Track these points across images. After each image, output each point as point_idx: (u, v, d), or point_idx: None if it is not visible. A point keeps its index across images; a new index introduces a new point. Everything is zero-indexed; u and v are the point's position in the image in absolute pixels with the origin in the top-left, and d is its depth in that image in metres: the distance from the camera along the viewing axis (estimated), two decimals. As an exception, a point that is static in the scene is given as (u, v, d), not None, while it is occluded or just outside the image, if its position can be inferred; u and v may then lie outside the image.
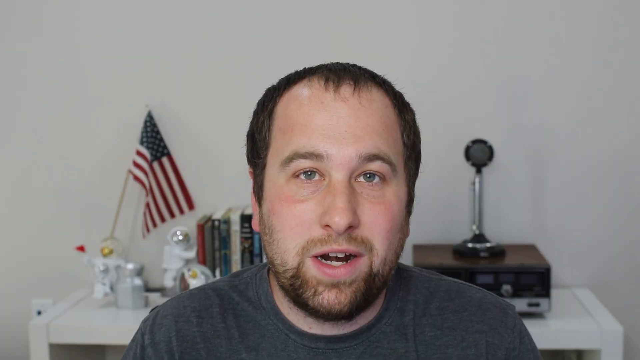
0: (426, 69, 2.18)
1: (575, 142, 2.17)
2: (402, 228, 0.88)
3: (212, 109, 2.26)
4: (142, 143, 2.22)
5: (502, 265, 1.94)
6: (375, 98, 0.87)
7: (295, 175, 0.84)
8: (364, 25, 2.18)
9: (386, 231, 0.84)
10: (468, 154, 2.07)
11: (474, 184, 2.08)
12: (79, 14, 2.26)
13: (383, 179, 0.85)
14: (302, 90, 0.87)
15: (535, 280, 1.90)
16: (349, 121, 0.84)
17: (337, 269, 0.82)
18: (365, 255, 0.83)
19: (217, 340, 0.93)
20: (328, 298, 0.82)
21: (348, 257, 0.83)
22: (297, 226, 0.83)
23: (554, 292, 2.01)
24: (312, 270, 0.83)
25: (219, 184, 2.27)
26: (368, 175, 0.84)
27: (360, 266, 0.83)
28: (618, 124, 2.16)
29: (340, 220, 0.80)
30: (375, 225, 0.83)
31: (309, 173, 0.84)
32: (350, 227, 0.81)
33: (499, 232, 2.18)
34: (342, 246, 0.82)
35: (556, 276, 2.15)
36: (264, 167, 0.89)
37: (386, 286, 0.89)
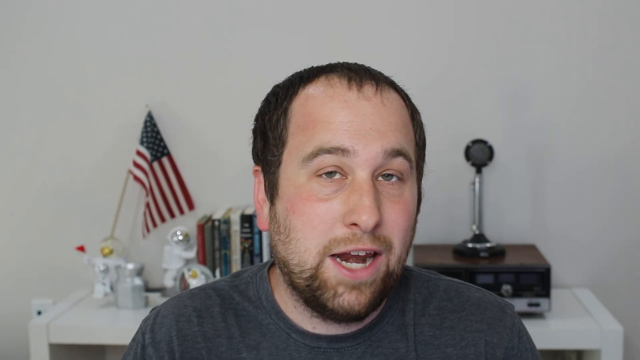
0: (426, 69, 2.18)
1: (575, 142, 2.17)
2: (414, 227, 0.89)
3: (212, 109, 2.26)
4: (142, 143, 2.22)
5: (502, 265, 1.94)
6: (394, 98, 0.88)
7: (318, 174, 0.84)
8: (364, 25, 2.18)
9: (404, 230, 0.85)
10: (468, 154, 2.07)
11: (474, 184, 2.08)
12: (79, 14, 2.26)
13: (400, 178, 0.85)
14: (322, 89, 0.87)
15: (535, 280, 1.90)
16: (373, 119, 0.84)
17: (359, 272, 0.82)
18: (383, 253, 0.84)
19: (218, 340, 0.92)
20: (349, 300, 0.82)
21: (365, 258, 0.83)
22: (320, 225, 0.82)
23: (554, 292, 2.01)
24: (332, 270, 0.82)
25: (219, 184, 2.27)
26: (386, 175, 0.85)
27: (380, 265, 0.84)
28: (618, 124, 2.16)
29: (368, 219, 0.80)
30: (396, 224, 0.84)
31: (331, 172, 0.83)
32: (376, 226, 0.82)
33: (499, 232, 2.18)
34: (366, 245, 0.82)
35: (556, 276, 2.15)
36: (279, 164, 0.88)
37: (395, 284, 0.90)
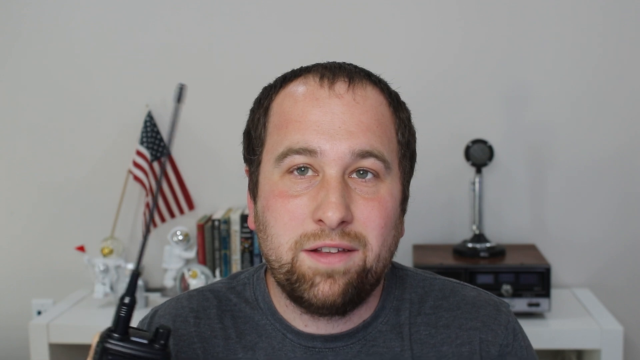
0: (427, 69, 2.18)
1: (575, 142, 2.17)
2: (396, 226, 0.88)
3: (212, 109, 2.26)
4: (142, 143, 2.22)
5: (502, 265, 1.94)
6: (370, 95, 0.87)
7: (289, 171, 0.85)
8: (365, 25, 2.18)
9: (380, 227, 0.84)
10: (468, 154, 2.07)
11: (474, 184, 2.08)
12: (79, 13, 2.26)
13: (377, 176, 0.85)
14: (297, 88, 0.88)
15: (535, 280, 1.90)
16: (343, 117, 0.84)
17: (332, 256, 0.82)
18: (359, 249, 0.83)
19: (214, 341, 0.93)
20: (323, 289, 0.82)
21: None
22: (291, 221, 0.83)
23: (554, 292, 2.01)
24: (308, 261, 0.83)
25: (219, 184, 2.27)
26: (361, 172, 0.84)
27: (354, 258, 0.83)
28: (618, 124, 2.16)
29: (333, 215, 0.80)
30: (369, 221, 0.83)
31: (303, 169, 0.84)
32: (344, 223, 0.82)
33: (499, 232, 2.18)
34: (335, 241, 0.82)
35: (556, 276, 2.15)
36: (259, 164, 0.90)
37: (379, 284, 0.89)
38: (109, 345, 0.68)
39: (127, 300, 0.70)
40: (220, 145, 2.25)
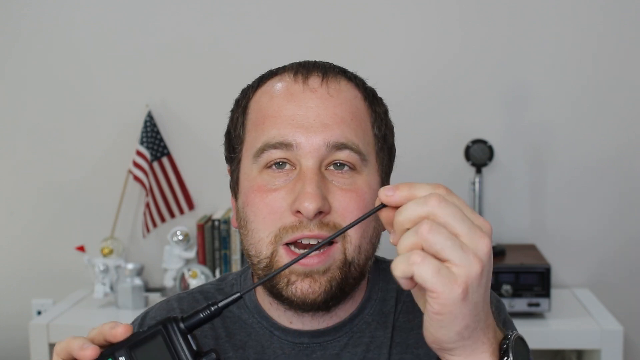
0: (427, 69, 2.18)
1: (575, 142, 2.17)
2: (377, 217, 0.88)
3: (212, 108, 2.25)
4: (142, 143, 2.22)
5: (502, 265, 1.94)
6: (344, 89, 0.88)
7: (267, 166, 0.86)
8: (365, 25, 2.18)
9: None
10: (468, 154, 2.07)
11: (474, 184, 2.08)
12: (79, 13, 2.26)
13: (353, 168, 0.86)
14: (273, 85, 0.89)
15: (535, 280, 1.90)
16: (317, 111, 0.85)
17: (310, 258, 0.82)
18: (338, 241, 0.84)
19: (205, 340, 0.93)
20: (302, 287, 0.83)
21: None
22: (270, 215, 0.84)
23: (554, 292, 2.01)
24: (285, 258, 0.83)
25: (219, 184, 2.26)
26: (338, 164, 0.85)
27: (334, 254, 0.84)
28: (617, 124, 2.16)
29: (309, 205, 0.80)
30: (347, 211, 0.84)
31: (280, 163, 0.85)
32: (321, 213, 0.82)
33: (499, 232, 2.18)
34: (313, 232, 0.82)
35: (556, 276, 2.15)
36: (239, 161, 0.91)
37: (364, 277, 0.89)
38: (169, 327, 0.65)
39: (214, 307, 0.68)
40: (220, 145, 2.24)
